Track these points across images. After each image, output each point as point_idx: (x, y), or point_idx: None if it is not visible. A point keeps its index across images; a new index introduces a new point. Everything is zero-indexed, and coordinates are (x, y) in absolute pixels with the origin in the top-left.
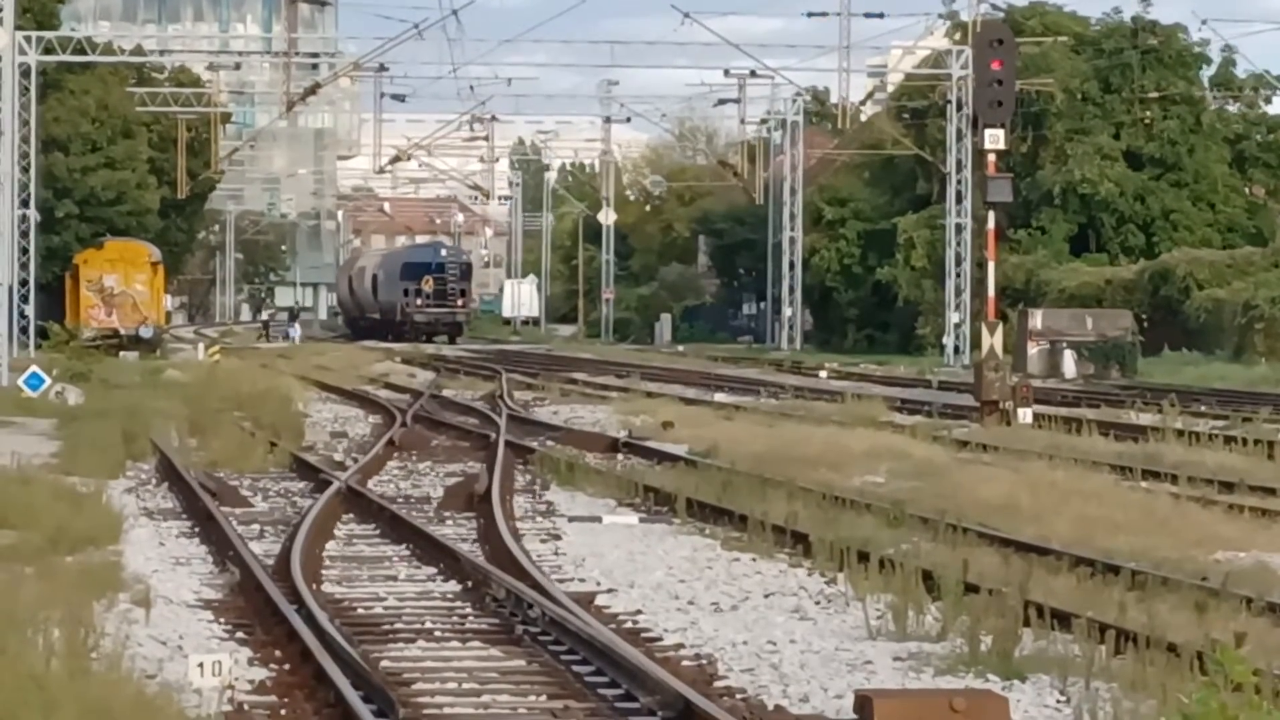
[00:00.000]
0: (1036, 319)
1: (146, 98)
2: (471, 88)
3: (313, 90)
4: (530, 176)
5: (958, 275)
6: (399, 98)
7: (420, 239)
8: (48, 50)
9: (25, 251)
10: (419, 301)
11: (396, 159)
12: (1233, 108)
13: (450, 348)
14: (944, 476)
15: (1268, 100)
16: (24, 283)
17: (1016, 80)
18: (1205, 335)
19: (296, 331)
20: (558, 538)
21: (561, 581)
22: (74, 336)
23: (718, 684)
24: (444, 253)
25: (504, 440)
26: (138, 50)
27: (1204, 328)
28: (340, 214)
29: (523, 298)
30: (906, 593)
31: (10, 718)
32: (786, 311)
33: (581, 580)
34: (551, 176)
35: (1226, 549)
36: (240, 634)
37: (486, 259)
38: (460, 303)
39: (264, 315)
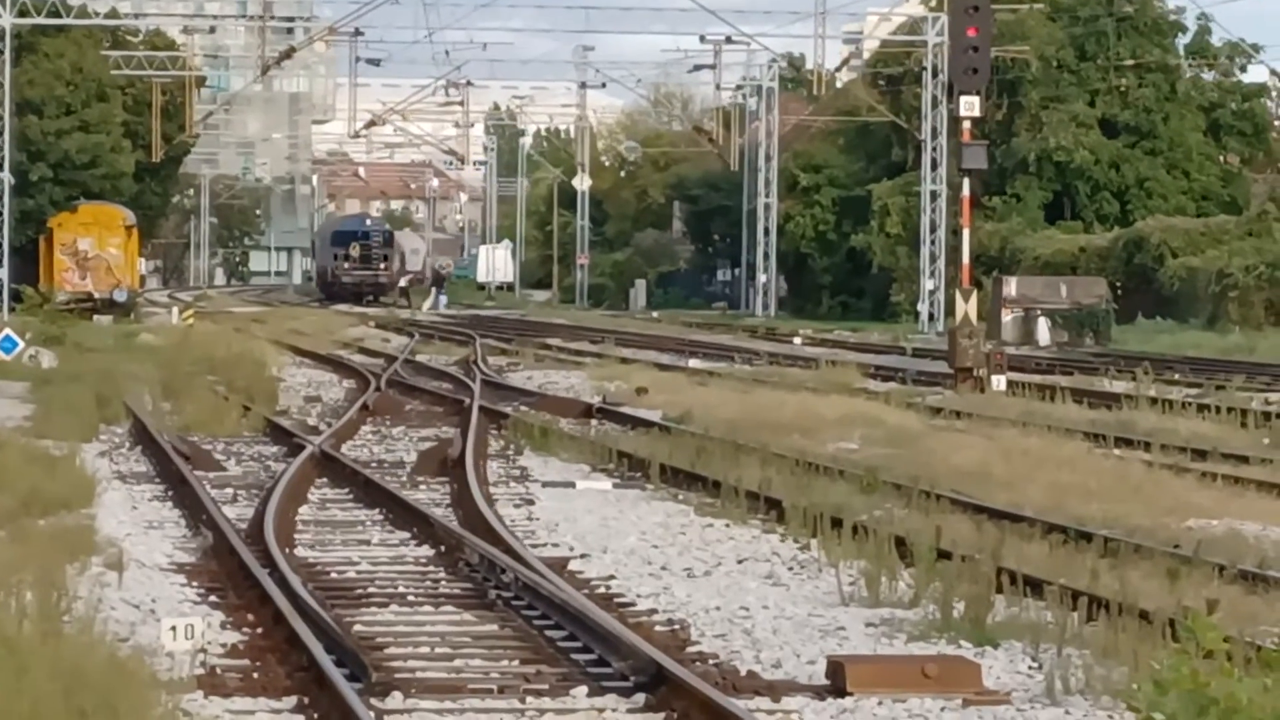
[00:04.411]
0: (1011, 286)
1: (121, 61)
2: (447, 52)
3: (288, 54)
4: (505, 142)
5: (932, 242)
6: (374, 62)
7: (395, 204)
8: (22, 13)
9: None
10: (346, 265)
11: (371, 124)
12: (1208, 76)
13: (423, 314)
14: (917, 443)
15: (1243, 69)
16: None
17: (992, 47)
18: (1179, 303)
19: (444, 299)
20: (531, 503)
21: (535, 546)
22: (48, 300)
23: (690, 649)
24: (369, 222)
25: (478, 405)
26: (112, 13)
27: (1178, 296)
28: (315, 178)
29: (497, 263)
30: (879, 559)
31: None
32: (761, 278)
33: (555, 545)
34: (526, 142)
35: (1199, 516)
36: (213, 598)
37: (461, 224)
38: (382, 267)
39: (403, 281)
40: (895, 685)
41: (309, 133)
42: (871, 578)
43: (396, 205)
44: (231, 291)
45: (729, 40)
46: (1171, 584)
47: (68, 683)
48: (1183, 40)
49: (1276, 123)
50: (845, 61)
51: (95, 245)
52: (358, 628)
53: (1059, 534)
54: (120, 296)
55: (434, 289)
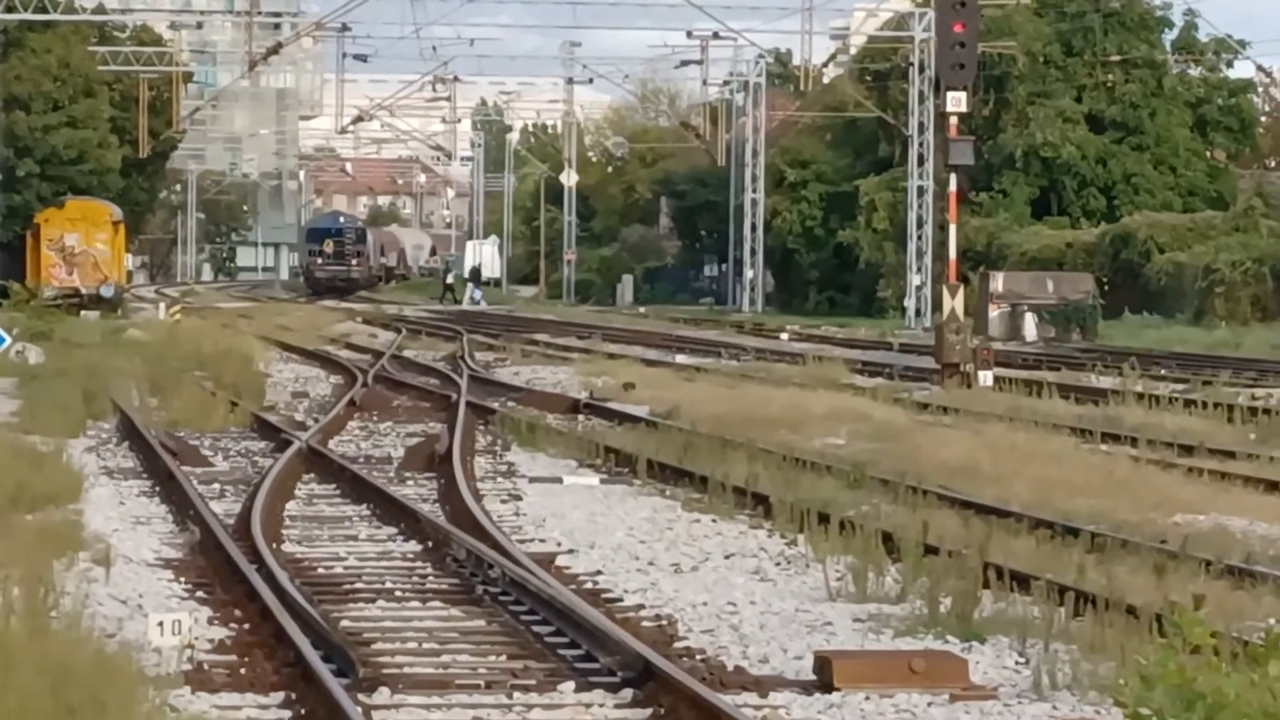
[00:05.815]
0: (998, 282)
1: (108, 56)
2: (434, 48)
3: (275, 50)
4: (492, 137)
5: (919, 238)
6: (361, 58)
7: (382, 199)
8: (9, 8)
9: None
10: (320, 261)
11: (359, 119)
12: (1194, 71)
13: (410, 309)
14: (904, 438)
15: (1229, 64)
16: None
17: (979, 43)
18: (1166, 299)
19: (480, 294)
20: (518, 498)
21: (522, 542)
22: (35, 295)
23: (677, 645)
24: (342, 220)
25: (465, 401)
26: (100, 9)
27: (1164, 291)
28: (302, 174)
29: (484, 259)
30: (866, 554)
31: None
32: (748, 273)
33: (542, 541)
34: (514, 138)
35: (1186, 511)
36: (200, 593)
37: (448, 220)
38: (355, 263)
39: (449, 278)
40: (882, 680)
41: (296, 128)
42: (858, 573)
43: (383, 201)
44: (219, 287)
45: (716, 36)
46: (1158, 579)
47: (55, 678)
48: (1169, 36)
49: (1263, 118)
50: (832, 57)
51: (82, 241)
52: (345, 623)
53: (1046, 529)
54: (107, 292)
55: (469, 284)
